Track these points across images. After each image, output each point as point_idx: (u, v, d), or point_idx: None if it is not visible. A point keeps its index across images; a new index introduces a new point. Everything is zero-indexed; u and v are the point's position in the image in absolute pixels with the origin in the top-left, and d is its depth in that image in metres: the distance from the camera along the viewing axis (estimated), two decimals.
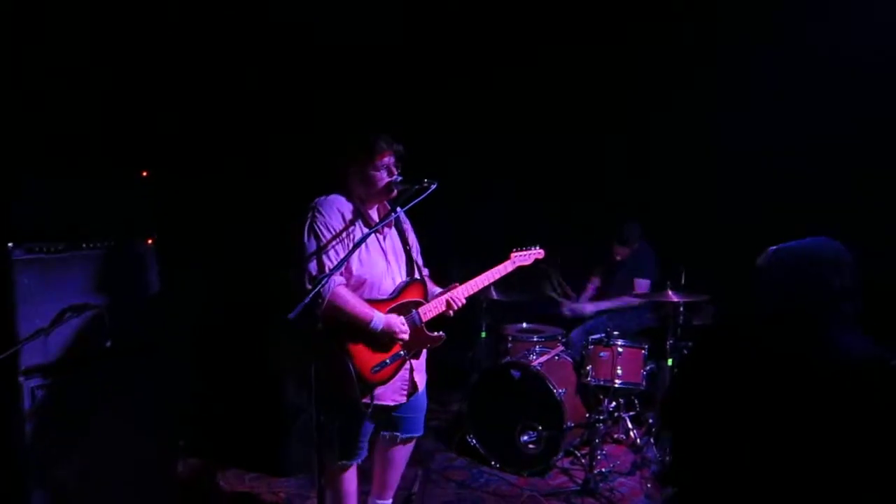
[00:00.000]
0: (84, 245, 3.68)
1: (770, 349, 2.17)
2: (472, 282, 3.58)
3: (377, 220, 3.37)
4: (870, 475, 1.97)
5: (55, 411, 3.51)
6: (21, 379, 3.46)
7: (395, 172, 3.34)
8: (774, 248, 2.31)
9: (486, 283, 3.65)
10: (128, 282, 3.80)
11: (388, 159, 3.31)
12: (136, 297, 3.82)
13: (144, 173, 3.93)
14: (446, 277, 3.66)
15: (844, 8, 5.01)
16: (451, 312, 3.46)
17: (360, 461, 3.48)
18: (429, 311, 3.41)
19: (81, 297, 3.60)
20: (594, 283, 5.99)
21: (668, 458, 4.64)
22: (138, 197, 3.91)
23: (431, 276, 3.64)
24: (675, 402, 2.43)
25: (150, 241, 3.89)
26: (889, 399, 2.00)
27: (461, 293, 3.49)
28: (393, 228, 3.50)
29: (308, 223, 3.22)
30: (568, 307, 5.83)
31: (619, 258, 5.79)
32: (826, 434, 2.01)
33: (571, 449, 4.95)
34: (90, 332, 3.61)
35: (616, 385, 4.96)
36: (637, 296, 5.52)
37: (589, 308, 5.77)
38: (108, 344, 3.63)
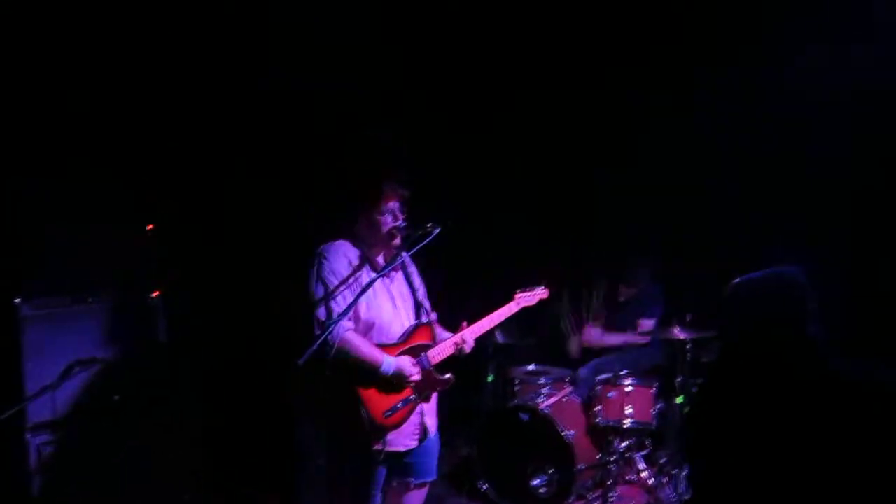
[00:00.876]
0: (91, 299, 3.69)
1: (773, 378, 2.18)
2: (478, 323, 3.58)
3: (383, 265, 3.38)
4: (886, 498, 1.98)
5: (63, 466, 3.48)
6: (28, 436, 3.44)
7: (401, 217, 3.36)
8: (737, 280, 2.34)
9: (493, 325, 3.66)
10: (136, 334, 3.82)
11: (394, 204, 3.34)
12: (144, 349, 3.83)
13: (150, 227, 3.97)
14: (452, 318, 3.67)
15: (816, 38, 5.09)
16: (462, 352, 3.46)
17: None
18: (438, 353, 3.41)
19: (89, 350, 3.61)
20: (595, 326, 5.96)
21: (688, 494, 4.58)
22: (144, 250, 3.94)
23: (438, 319, 3.64)
24: (694, 437, 2.43)
25: (156, 294, 3.91)
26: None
27: (469, 335, 3.49)
28: (399, 272, 3.51)
29: (315, 270, 3.24)
30: (574, 348, 5.84)
31: (622, 299, 5.79)
32: (838, 459, 2.01)
33: (583, 491, 4.87)
34: (98, 386, 3.61)
35: (626, 425, 4.91)
36: (641, 335, 5.51)
37: (596, 336, 5.73)
38: (117, 398, 3.62)
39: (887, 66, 4.76)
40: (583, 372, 5.53)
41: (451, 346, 3.45)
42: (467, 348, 3.48)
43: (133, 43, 4.67)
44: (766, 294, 2.27)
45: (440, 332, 3.57)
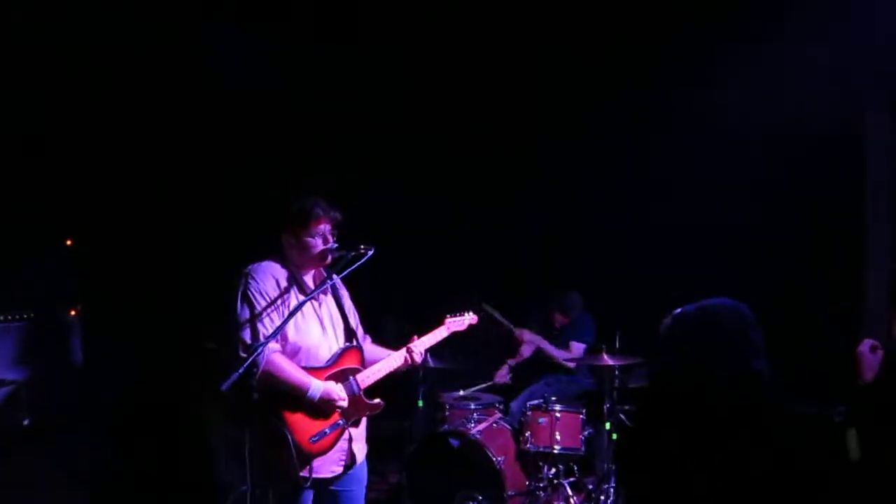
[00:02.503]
0: (2, 318, 3.51)
1: (715, 411, 2.15)
2: (420, 341, 3.58)
3: (312, 287, 3.32)
4: None
5: None
6: None
7: (331, 240, 3.31)
8: (677, 312, 2.29)
9: (426, 347, 3.64)
10: (49, 355, 3.64)
11: (324, 226, 3.29)
12: (57, 370, 3.65)
13: (69, 242, 3.81)
14: (381, 341, 3.66)
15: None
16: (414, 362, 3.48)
17: None
18: (367, 378, 3.35)
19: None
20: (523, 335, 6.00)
21: None
22: (62, 266, 3.78)
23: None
24: (629, 466, 2.41)
25: (73, 312, 3.74)
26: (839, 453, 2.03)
27: (420, 345, 3.52)
28: (329, 295, 3.44)
29: (241, 290, 3.16)
30: (499, 376, 5.89)
31: (558, 325, 5.93)
32: (774, 495, 2.01)
33: None
34: (6, 409, 3.42)
35: (555, 451, 4.93)
36: (572, 359, 5.59)
37: (528, 336, 5.81)
38: (26, 422, 3.44)
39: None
40: (514, 406, 5.57)
41: (399, 359, 3.44)
42: (418, 357, 3.48)
43: (49, 57, 4.53)
44: (708, 326, 2.19)
45: (377, 352, 3.53)
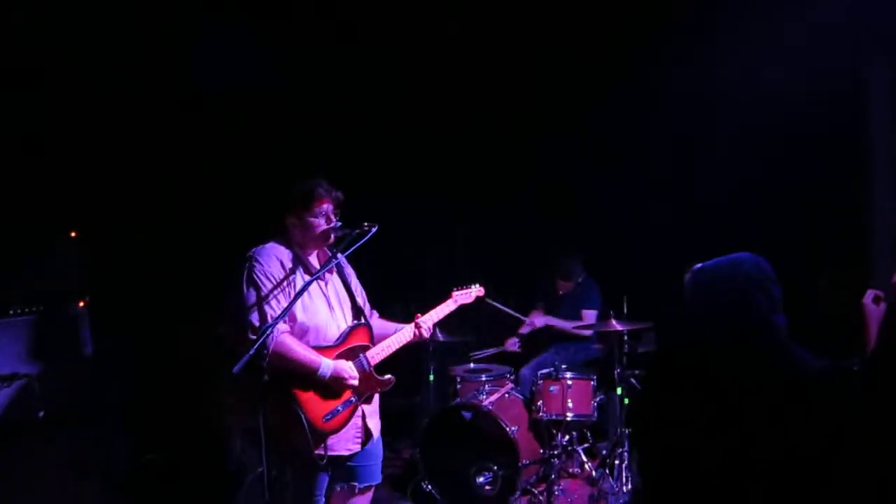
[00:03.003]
0: (11, 312, 3.53)
1: (728, 368, 2.14)
2: (426, 316, 3.59)
3: (317, 267, 3.32)
4: (846, 486, 1.97)
5: None
6: None
7: (334, 219, 3.31)
8: (698, 266, 2.30)
9: (433, 321, 3.65)
10: (60, 347, 3.66)
11: (327, 206, 3.29)
12: (69, 362, 3.68)
13: (73, 233, 3.82)
14: (388, 317, 3.68)
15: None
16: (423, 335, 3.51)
17: None
18: (376, 354, 3.36)
19: (10, 366, 3.44)
20: (534, 319, 6.02)
21: (634, 484, 4.65)
22: (68, 258, 3.79)
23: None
24: (642, 426, 2.41)
25: (82, 304, 3.76)
26: (856, 403, 2.02)
27: (428, 320, 3.53)
28: (335, 274, 3.45)
29: (247, 273, 3.16)
30: (509, 344, 5.92)
31: (562, 292, 5.89)
32: (798, 447, 1.99)
33: (528, 487, 4.89)
34: (20, 402, 3.45)
35: (568, 418, 4.96)
36: (586, 327, 5.58)
37: (539, 321, 5.84)
38: (41, 414, 3.47)
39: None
40: (524, 372, 5.59)
41: (408, 334, 3.46)
42: (426, 332, 3.50)
43: (48, 57, 4.52)
44: (726, 281, 2.20)
45: (386, 327, 3.55)
